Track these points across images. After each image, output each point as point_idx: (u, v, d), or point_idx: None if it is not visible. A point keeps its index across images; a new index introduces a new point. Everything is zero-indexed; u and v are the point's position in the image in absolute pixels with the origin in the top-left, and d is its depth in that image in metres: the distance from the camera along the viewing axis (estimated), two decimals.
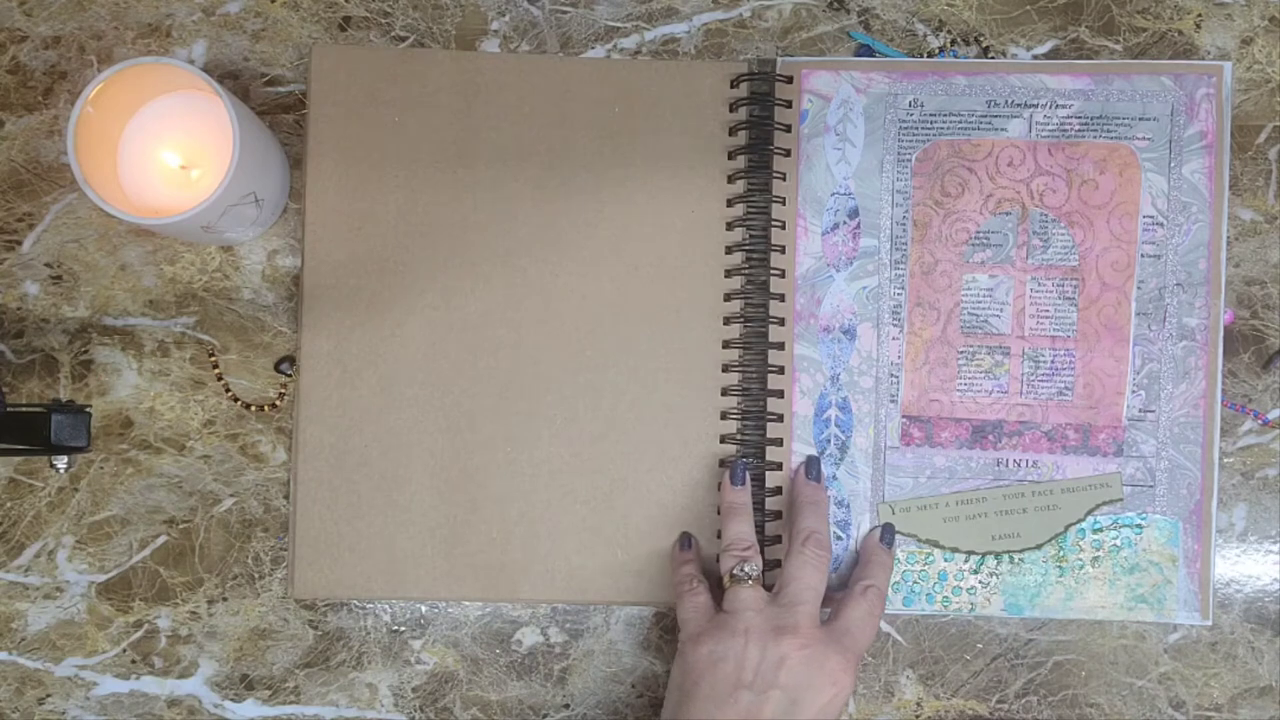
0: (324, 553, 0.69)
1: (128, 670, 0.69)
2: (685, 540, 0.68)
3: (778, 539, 0.69)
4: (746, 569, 0.64)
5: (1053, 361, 0.69)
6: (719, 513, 0.68)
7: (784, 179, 0.69)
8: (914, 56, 0.71)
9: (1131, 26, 0.71)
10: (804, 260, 0.69)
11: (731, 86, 0.70)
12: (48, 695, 0.69)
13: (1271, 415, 0.70)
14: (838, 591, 0.67)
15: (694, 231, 0.70)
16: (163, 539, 0.70)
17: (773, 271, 0.69)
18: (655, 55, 0.71)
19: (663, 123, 0.70)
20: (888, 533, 0.68)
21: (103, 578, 0.69)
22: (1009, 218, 0.69)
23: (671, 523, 0.69)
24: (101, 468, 0.69)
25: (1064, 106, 0.69)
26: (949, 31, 0.71)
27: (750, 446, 0.69)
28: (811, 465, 0.68)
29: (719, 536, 0.67)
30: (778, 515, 0.69)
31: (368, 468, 0.69)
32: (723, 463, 0.69)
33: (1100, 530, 0.68)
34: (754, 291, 0.69)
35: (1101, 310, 0.69)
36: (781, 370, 0.69)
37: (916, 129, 0.69)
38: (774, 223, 0.69)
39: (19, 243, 0.70)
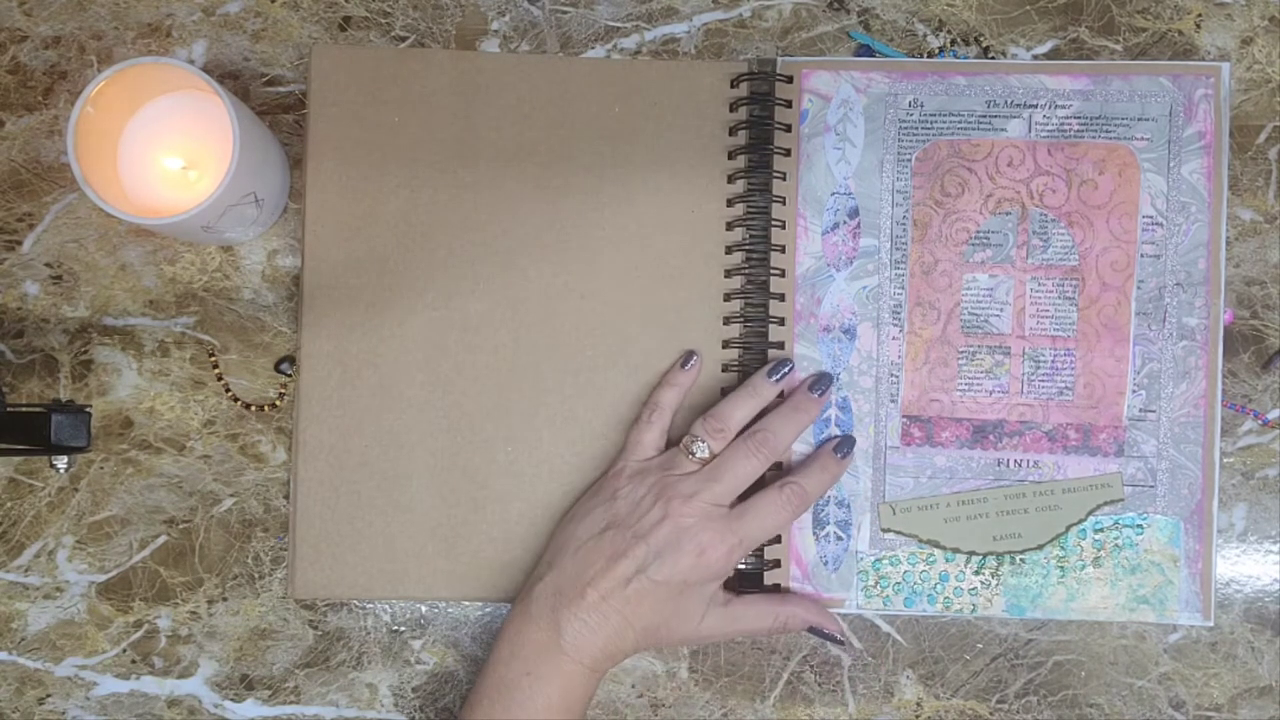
0: (324, 553, 0.69)
1: (128, 670, 0.69)
2: (687, 358, 0.68)
3: (777, 539, 0.68)
4: (701, 446, 0.65)
5: (1053, 361, 0.69)
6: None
7: (784, 179, 0.69)
8: (914, 56, 0.71)
9: (1131, 26, 0.71)
10: (804, 260, 0.69)
11: (731, 86, 0.70)
12: (48, 695, 0.69)
13: (1271, 415, 0.70)
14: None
15: (694, 231, 0.70)
16: (163, 539, 0.70)
17: (773, 271, 0.69)
18: (655, 55, 0.71)
19: (663, 123, 0.70)
20: (846, 443, 0.68)
21: (103, 578, 0.69)
22: (1009, 218, 0.69)
23: None
24: (101, 468, 0.69)
25: (1063, 107, 0.69)
26: (949, 31, 0.71)
27: None
28: (821, 380, 0.68)
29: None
30: None
31: (368, 468, 0.69)
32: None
33: (1101, 530, 0.68)
34: (754, 291, 0.69)
35: (1101, 310, 0.69)
36: None
37: (916, 129, 0.70)
38: (774, 222, 0.69)
39: (19, 243, 0.70)
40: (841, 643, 0.68)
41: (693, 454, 0.65)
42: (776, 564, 0.68)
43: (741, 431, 0.66)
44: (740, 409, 0.66)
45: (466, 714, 0.63)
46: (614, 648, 0.63)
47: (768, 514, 0.64)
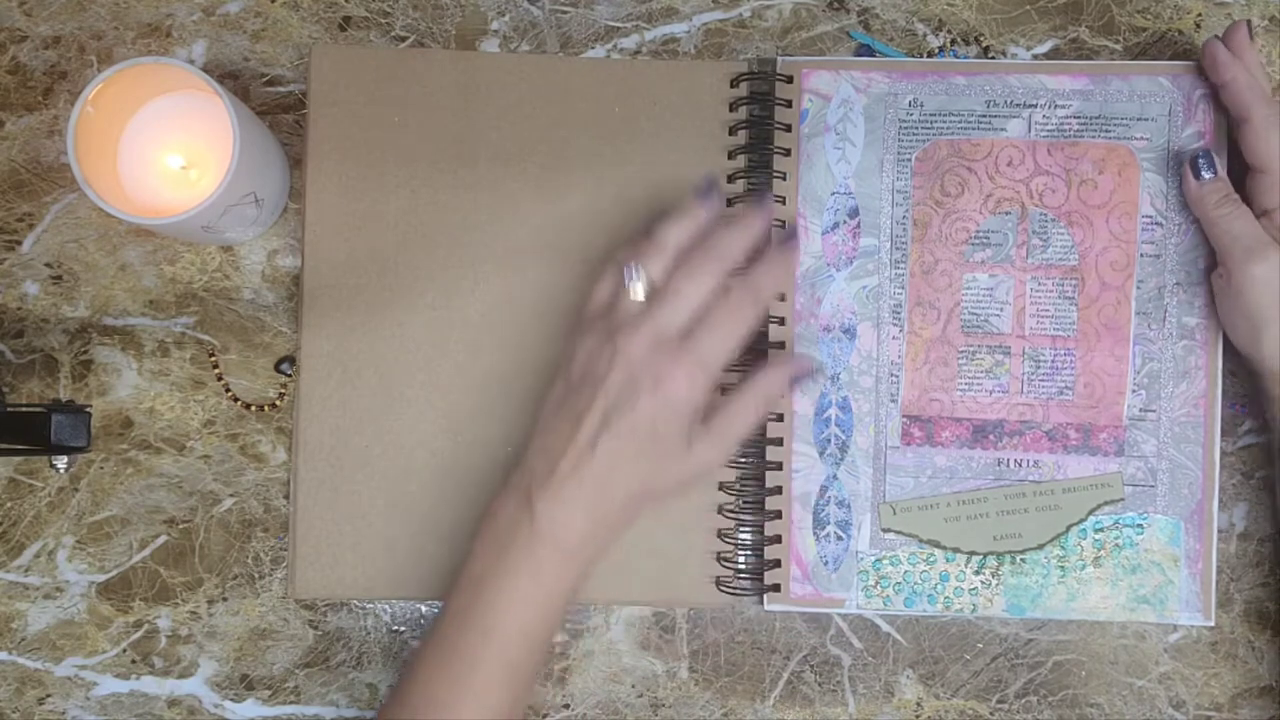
0: (324, 553, 0.69)
1: (128, 670, 0.69)
2: (707, 187, 0.62)
3: (777, 539, 0.68)
4: (638, 273, 0.60)
5: (1053, 361, 0.69)
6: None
7: (784, 178, 0.69)
8: (914, 56, 0.71)
9: (1131, 26, 0.71)
10: (804, 260, 0.69)
11: (731, 86, 0.70)
12: (48, 695, 0.69)
13: None
14: None
15: None
16: (163, 539, 0.69)
17: None
18: (655, 55, 0.71)
19: (663, 123, 0.70)
20: (789, 232, 0.66)
21: (103, 578, 0.69)
22: (1009, 217, 0.69)
23: (671, 523, 0.69)
24: (101, 468, 0.69)
25: (1063, 107, 0.69)
26: (949, 31, 0.71)
27: (750, 446, 0.69)
28: (792, 232, 0.66)
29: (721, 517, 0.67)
30: (777, 515, 0.68)
31: (368, 468, 0.69)
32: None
33: (1101, 530, 0.68)
34: None
35: (1101, 310, 0.69)
36: None
37: (916, 129, 0.70)
38: (773, 223, 0.69)
39: (19, 243, 0.70)
40: (824, 371, 0.65)
41: (632, 280, 0.60)
42: (777, 564, 0.68)
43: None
44: (673, 232, 0.61)
45: (442, 614, 0.60)
46: (594, 526, 0.58)
47: (720, 324, 0.59)
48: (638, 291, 0.60)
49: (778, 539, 0.69)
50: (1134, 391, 0.69)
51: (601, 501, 0.58)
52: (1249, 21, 0.66)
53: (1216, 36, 0.66)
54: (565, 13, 0.72)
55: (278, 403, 0.70)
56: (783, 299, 0.69)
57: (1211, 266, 0.68)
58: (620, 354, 0.58)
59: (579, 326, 0.62)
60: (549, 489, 0.58)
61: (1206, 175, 0.66)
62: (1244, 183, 0.66)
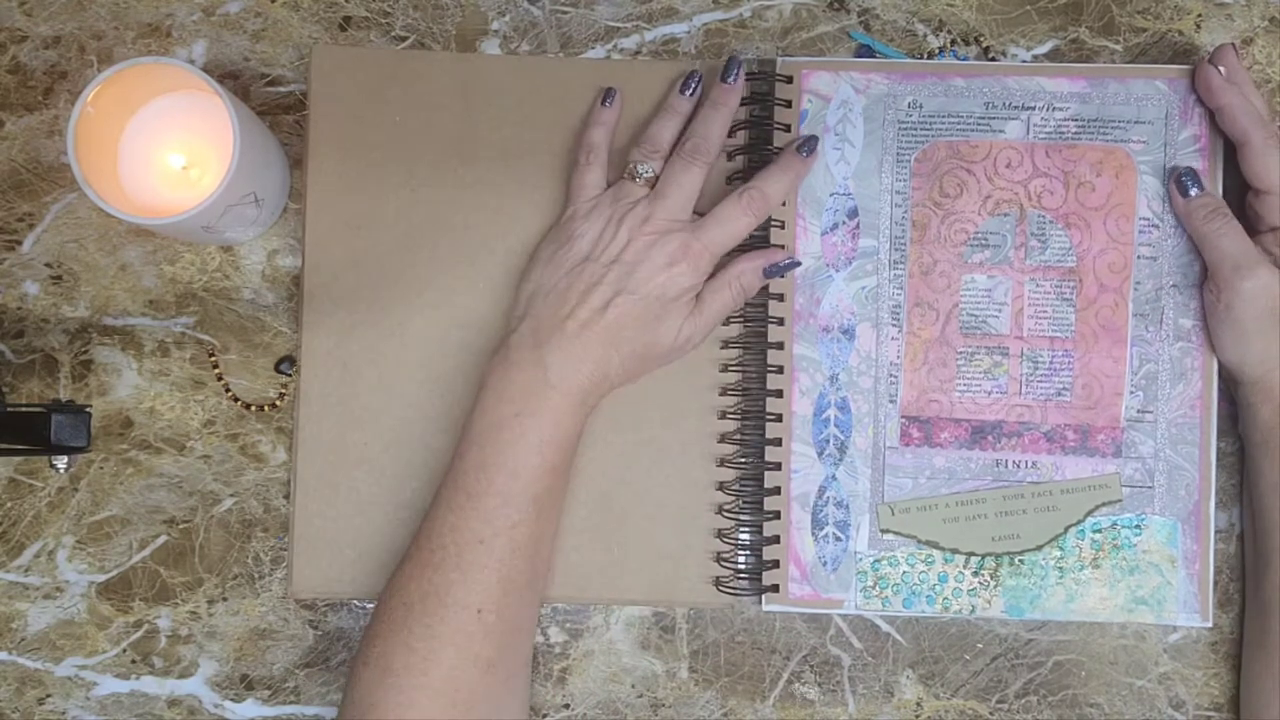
0: (324, 552, 0.69)
1: (128, 670, 0.69)
2: (608, 95, 0.70)
3: (776, 539, 0.69)
4: (643, 168, 0.67)
5: (1051, 362, 0.69)
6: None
7: None
8: (914, 56, 0.71)
9: (1131, 27, 0.71)
10: (803, 260, 0.69)
11: None
12: (48, 695, 0.69)
13: None
14: None
15: None
16: (163, 539, 0.70)
17: None
18: (655, 55, 0.71)
19: None
20: (809, 143, 0.68)
21: (103, 578, 0.69)
22: (1007, 219, 0.69)
23: (670, 523, 0.69)
24: (101, 468, 0.69)
25: (1060, 109, 0.69)
26: (949, 31, 0.71)
27: (749, 447, 0.69)
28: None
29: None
30: (776, 515, 0.69)
31: (368, 466, 0.69)
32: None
33: (1100, 531, 0.68)
34: None
35: (1099, 311, 0.69)
36: (780, 370, 0.69)
37: (915, 130, 0.70)
38: (773, 223, 0.69)
39: (19, 243, 0.70)
40: (798, 263, 0.69)
41: (638, 176, 0.67)
42: (775, 564, 0.68)
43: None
44: (666, 128, 0.68)
45: (456, 462, 0.64)
46: (600, 375, 0.64)
47: (728, 219, 0.66)
48: (642, 182, 0.67)
49: (776, 539, 0.69)
50: (1131, 393, 0.69)
51: (606, 358, 0.64)
52: (1233, 44, 0.67)
53: (1208, 59, 0.67)
54: (565, 13, 0.72)
55: (278, 403, 0.70)
56: (782, 299, 0.69)
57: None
58: (635, 238, 0.65)
59: (579, 213, 0.67)
60: (559, 345, 0.64)
61: (1194, 192, 0.67)
62: (1246, 197, 0.67)
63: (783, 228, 0.69)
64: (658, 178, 0.67)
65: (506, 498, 0.62)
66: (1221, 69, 0.66)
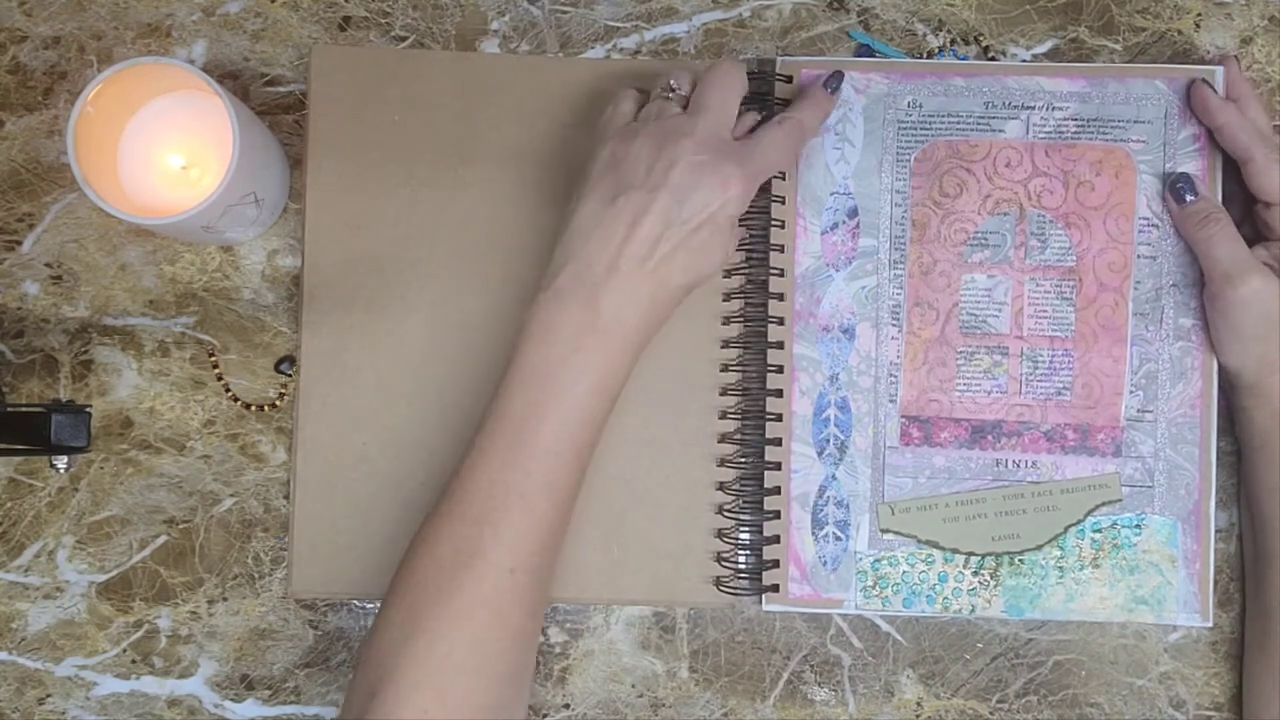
0: (324, 552, 0.69)
1: (128, 670, 0.69)
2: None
3: (776, 539, 0.69)
4: (674, 82, 0.64)
5: (1051, 361, 0.69)
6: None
7: (783, 178, 0.69)
8: (914, 56, 0.71)
9: (1131, 26, 0.71)
10: (803, 260, 0.69)
11: None
12: (48, 695, 0.69)
13: None
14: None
15: None
16: (163, 539, 0.70)
17: (772, 271, 0.69)
18: (655, 55, 0.71)
19: None
20: (835, 79, 0.68)
21: (103, 578, 0.69)
22: (1007, 218, 0.69)
23: (670, 523, 0.69)
24: (101, 468, 0.69)
25: (1060, 109, 0.69)
26: (949, 31, 0.71)
27: (749, 446, 0.69)
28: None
29: (720, 512, 0.67)
30: (776, 515, 0.69)
31: (367, 467, 0.69)
32: None
33: (1099, 531, 0.68)
34: (753, 291, 0.69)
35: (1099, 311, 0.69)
36: (780, 370, 0.69)
37: (915, 129, 0.70)
38: (773, 222, 0.69)
39: (19, 243, 0.70)
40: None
41: (672, 90, 0.64)
42: (775, 564, 0.68)
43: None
44: (686, 72, 0.66)
45: (495, 408, 0.60)
46: (652, 315, 0.61)
47: (771, 148, 0.64)
48: (677, 98, 0.64)
49: (776, 539, 0.69)
50: (1131, 392, 0.69)
51: (659, 292, 0.61)
52: (1235, 56, 0.67)
53: (1204, 80, 0.67)
54: (565, 13, 0.72)
55: (278, 403, 0.70)
56: (782, 299, 0.69)
57: None
58: (682, 158, 0.61)
59: (614, 137, 0.63)
60: (613, 286, 0.60)
61: (1189, 199, 0.67)
62: (1253, 205, 0.67)
63: (783, 227, 0.69)
64: (689, 95, 0.64)
65: (552, 449, 0.59)
66: (1216, 87, 0.66)
